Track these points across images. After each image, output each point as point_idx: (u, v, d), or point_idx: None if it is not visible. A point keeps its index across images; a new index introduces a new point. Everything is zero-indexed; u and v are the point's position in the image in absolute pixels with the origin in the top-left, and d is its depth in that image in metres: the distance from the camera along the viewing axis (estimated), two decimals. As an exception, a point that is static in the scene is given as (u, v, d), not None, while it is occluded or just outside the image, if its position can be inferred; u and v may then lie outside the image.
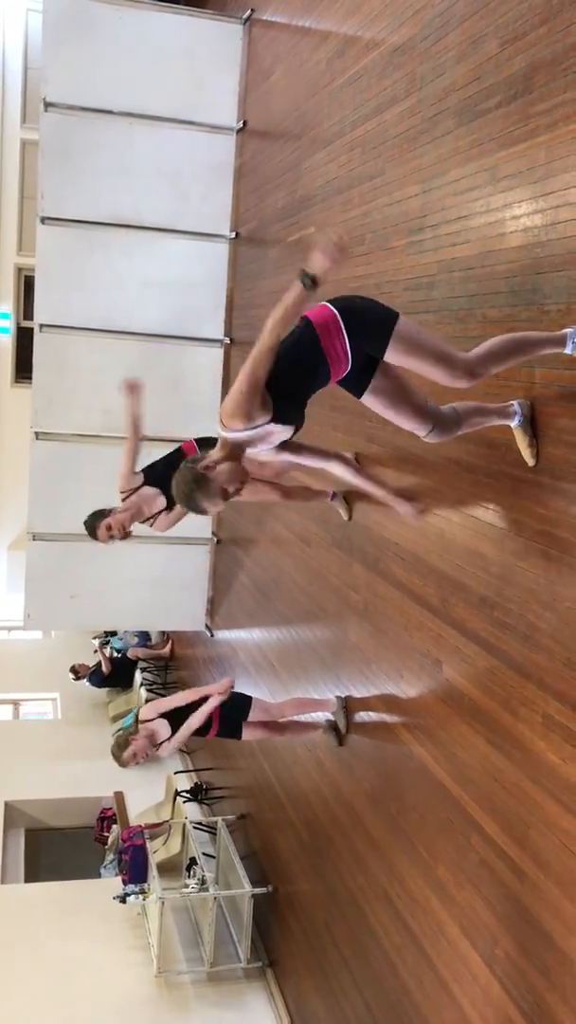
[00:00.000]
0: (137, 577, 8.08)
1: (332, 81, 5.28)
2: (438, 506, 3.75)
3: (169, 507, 4.70)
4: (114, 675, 10.61)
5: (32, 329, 7.71)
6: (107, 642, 11.06)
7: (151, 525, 4.81)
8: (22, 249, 13.00)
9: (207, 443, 4.59)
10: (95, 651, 11.23)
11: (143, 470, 4.83)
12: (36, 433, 7.70)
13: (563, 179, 2.91)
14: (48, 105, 7.32)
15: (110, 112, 7.47)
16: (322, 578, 5.30)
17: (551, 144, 2.97)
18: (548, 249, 2.98)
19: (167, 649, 10.92)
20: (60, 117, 7.37)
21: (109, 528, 4.62)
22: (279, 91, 6.55)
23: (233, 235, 7.80)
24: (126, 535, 4.68)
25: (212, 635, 8.34)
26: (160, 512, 4.75)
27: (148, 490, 4.72)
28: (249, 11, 7.44)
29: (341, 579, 4.93)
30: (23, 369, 12.27)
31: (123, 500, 4.73)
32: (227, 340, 7.94)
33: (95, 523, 4.66)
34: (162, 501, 4.71)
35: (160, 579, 8.17)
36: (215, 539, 8.20)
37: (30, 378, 7.82)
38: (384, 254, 4.40)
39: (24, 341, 11.73)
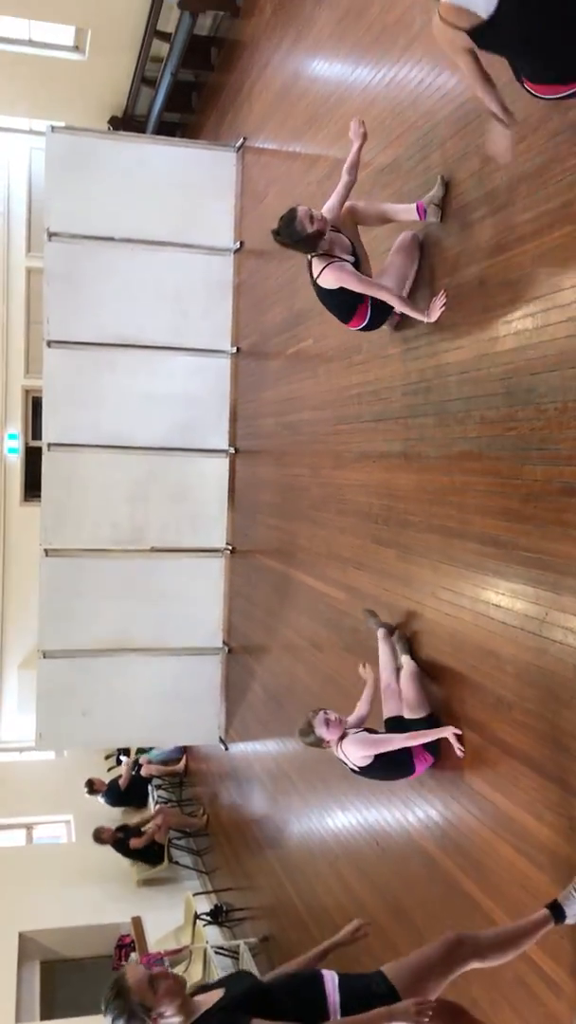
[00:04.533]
0: (149, 691, 8.00)
1: (324, 201, 5.49)
2: (449, 606, 3.73)
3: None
4: (129, 792, 10.37)
5: (40, 448, 7.84)
6: (136, 760, 10.81)
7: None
8: (29, 372, 13.34)
9: None
10: (109, 770, 11.01)
11: None
12: (45, 550, 7.74)
13: (550, 283, 2.99)
14: (51, 235, 7.63)
15: (111, 239, 7.77)
16: (335, 683, 5.23)
17: (537, 251, 3.07)
18: (540, 350, 3.05)
19: (181, 765, 10.70)
20: (63, 246, 7.67)
21: (311, 218, 3.91)
22: (273, 212, 6.80)
23: (235, 350, 8.00)
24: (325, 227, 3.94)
25: (227, 748, 8.18)
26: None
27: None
28: (241, 139, 7.81)
29: (354, 684, 4.86)
30: (32, 488, 12.45)
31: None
32: (232, 450, 8.05)
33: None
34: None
35: (172, 692, 8.08)
36: (226, 648, 8.14)
37: (39, 496, 7.92)
38: (381, 362, 4.50)
39: (33, 460, 11.92)
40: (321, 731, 3.85)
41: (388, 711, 4.04)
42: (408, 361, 4.18)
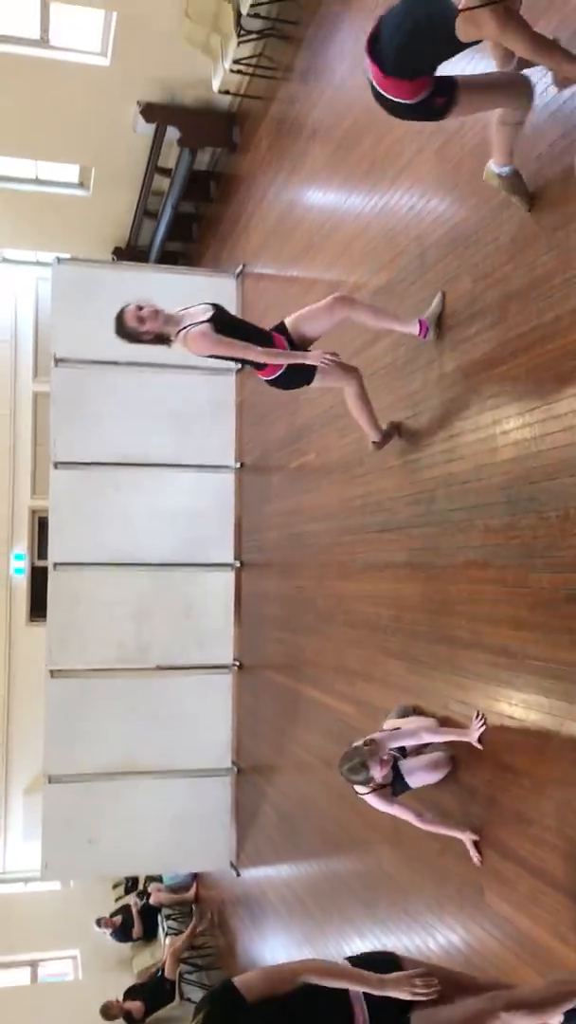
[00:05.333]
0: (157, 816, 7.77)
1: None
2: (462, 718, 3.66)
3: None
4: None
5: (46, 568, 7.86)
6: (145, 889, 10.42)
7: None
8: (36, 492, 13.50)
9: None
10: (117, 899, 10.62)
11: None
12: (51, 671, 7.67)
13: (546, 394, 3.05)
14: (58, 361, 7.84)
15: (115, 363, 7.97)
16: (349, 803, 5.08)
17: (531, 364, 3.15)
18: (540, 459, 3.08)
19: (192, 893, 10.31)
20: (69, 370, 7.87)
21: (139, 317, 4.04)
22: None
23: (238, 465, 8.10)
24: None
25: (238, 874, 7.91)
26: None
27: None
28: (240, 266, 8.10)
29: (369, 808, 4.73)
30: (37, 608, 12.42)
31: None
32: (237, 564, 8.06)
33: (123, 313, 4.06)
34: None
35: (180, 816, 7.84)
36: (235, 768, 7.96)
37: (44, 617, 7.89)
38: (383, 473, 4.55)
39: (38, 580, 11.94)
40: (375, 770, 3.51)
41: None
42: (409, 472, 4.22)
